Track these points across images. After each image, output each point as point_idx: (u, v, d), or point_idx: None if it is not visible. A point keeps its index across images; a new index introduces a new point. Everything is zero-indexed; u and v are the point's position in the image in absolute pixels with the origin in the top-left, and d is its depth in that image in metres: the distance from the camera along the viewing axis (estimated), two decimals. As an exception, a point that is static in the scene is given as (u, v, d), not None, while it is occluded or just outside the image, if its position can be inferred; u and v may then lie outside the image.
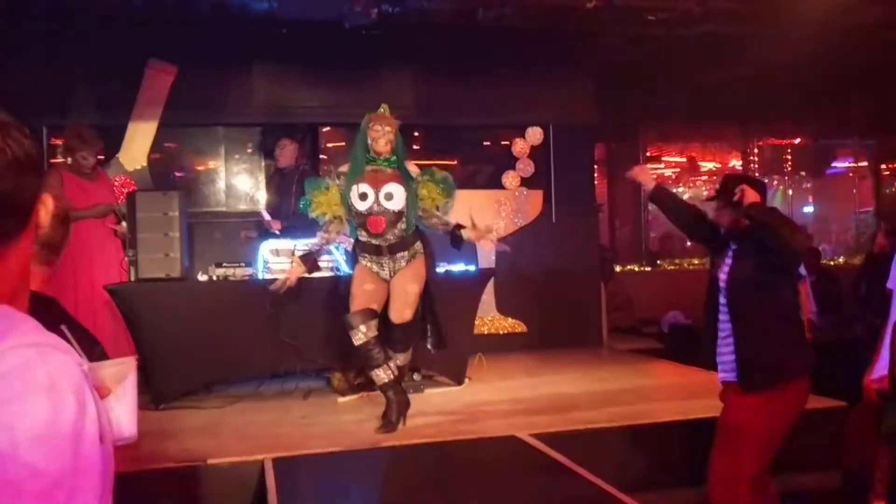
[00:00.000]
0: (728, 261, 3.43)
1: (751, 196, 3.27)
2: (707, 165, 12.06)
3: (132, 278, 5.29)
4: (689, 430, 4.30)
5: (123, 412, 1.34)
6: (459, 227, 4.61)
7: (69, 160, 5.70)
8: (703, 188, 12.87)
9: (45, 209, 0.94)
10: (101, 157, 6.14)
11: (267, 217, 6.28)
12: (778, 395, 3.24)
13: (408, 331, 4.59)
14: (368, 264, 4.59)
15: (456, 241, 4.63)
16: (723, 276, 3.43)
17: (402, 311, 4.52)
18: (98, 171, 5.93)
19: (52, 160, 6.89)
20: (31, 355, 0.81)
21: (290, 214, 6.24)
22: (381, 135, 4.49)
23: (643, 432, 4.42)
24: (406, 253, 4.57)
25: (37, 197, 0.93)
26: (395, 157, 4.54)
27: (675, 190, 13.14)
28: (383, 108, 4.63)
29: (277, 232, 6.19)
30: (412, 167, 4.64)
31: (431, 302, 4.68)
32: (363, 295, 4.53)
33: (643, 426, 4.47)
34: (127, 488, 3.41)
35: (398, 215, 4.48)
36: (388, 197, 4.46)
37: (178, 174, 7.56)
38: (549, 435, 4.21)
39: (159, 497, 3.70)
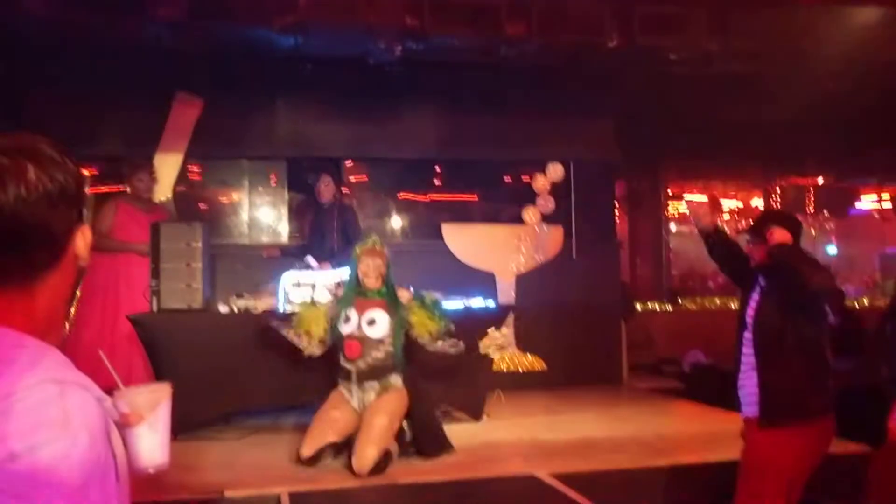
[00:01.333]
0: (755, 296, 3.44)
1: (779, 236, 3.30)
2: (729, 203, 12.01)
3: (155, 308, 5.33)
4: (710, 472, 4.23)
5: (156, 440, 1.33)
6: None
7: (128, 189, 6.12)
8: (725, 227, 12.82)
9: (84, 241, 0.95)
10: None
11: (314, 264, 6.15)
12: (798, 432, 3.22)
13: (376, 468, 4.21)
14: (343, 390, 4.57)
15: None
16: (750, 311, 3.45)
17: (364, 450, 4.18)
18: (157, 206, 6.14)
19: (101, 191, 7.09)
20: (51, 391, 0.82)
21: (333, 249, 6.28)
22: (371, 269, 4.55)
23: (664, 473, 4.36)
24: (377, 384, 4.48)
25: (72, 230, 0.94)
26: (384, 290, 4.57)
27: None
28: (373, 241, 4.66)
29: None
30: (403, 294, 4.64)
31: (421, 414, 4.58)
32: (325, 424, 4.42)
33: (664, 468, 4.41)
34: (143, 519, 3.35)
35: (378, 343, 4.47)
36: (371, 322, 4.47)
37: (202, 206, 7.64)
38: (568, 475, 4.16)
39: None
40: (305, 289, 5.56)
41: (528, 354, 7.54)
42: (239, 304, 5.51)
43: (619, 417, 5.95)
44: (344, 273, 5.21)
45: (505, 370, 7.23)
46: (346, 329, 4.47)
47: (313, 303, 4.72)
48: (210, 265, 5.68)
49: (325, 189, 6.51)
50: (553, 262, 7.77)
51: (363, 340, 4.43)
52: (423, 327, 4.48)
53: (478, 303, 6.04)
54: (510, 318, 6.71)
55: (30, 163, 0.90)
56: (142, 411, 1.31)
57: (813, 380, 3.29)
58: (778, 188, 11.62)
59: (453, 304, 5.84)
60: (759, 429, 3.30)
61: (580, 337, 7.56)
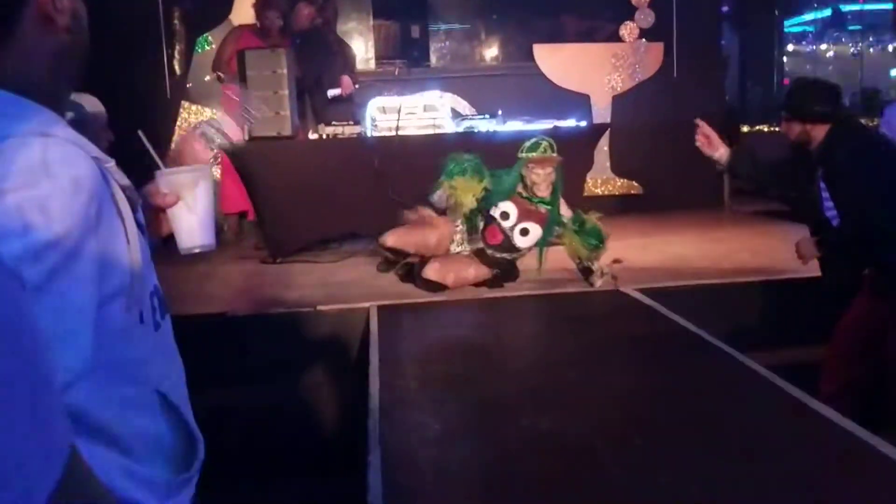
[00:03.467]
0: (822, 185, 3.10)
1: (796, 134, 3.09)
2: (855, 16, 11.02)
3: (246, 137, 5.44)
4: (803, 286, 4.09)
5: (195, 220, 1.34)
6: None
7: (258, 24, 6.19)
8: (850, 45, 11.75)
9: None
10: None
11: (335, 92, 6.28)
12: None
13: None
14: (456, 232, 4.34)
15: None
16: (830, 213, 3.11)
17: None
18: (283, 41, 6.07)
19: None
20: (34, 143, 0.81)
21: (322, 71, 6.29)
22: (542, 179, 4.15)
23: (756, 288, 4.26)
24: None
25: None
26: (551, 198, 4.21)
27: (818, 48, 12.04)
28: (545, 146, 4.18)
29: (353, 89, 6.30)
30: (564, 209, 4.29)
31: None
32: (418, 237, 4.32)
33: (756, 283, 4.31)
34: (246, 329, 3.58)
35: (518, 249, 4.26)
36: (524, 232, 4.21)
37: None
38: (655, 290, 4.12)
39: (274, 338, 3.91)
40: (391, 114, 5.54)
41: (623, 178, 7.38)
42: (328, 130, 5.54)
43: (716, 238, 5.81)
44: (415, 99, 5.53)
45: (599, 194, 7.12)
46: (498, 220, 4.23)
47: (480, 178, 4.17)
48: (297, 93, 5.68)
49: (295, 19, 6.39)
50: (652, 81, 7.39)
51: (508, 239, 4.23)
52: (572, 249, 4.24)
53: (569, 123, 5.83)
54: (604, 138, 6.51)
55: None
56: (179, 191, 1.31)
57: None
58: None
59: (543, 125, 5.70)
60: None
61: (679, 159, 7.20)
